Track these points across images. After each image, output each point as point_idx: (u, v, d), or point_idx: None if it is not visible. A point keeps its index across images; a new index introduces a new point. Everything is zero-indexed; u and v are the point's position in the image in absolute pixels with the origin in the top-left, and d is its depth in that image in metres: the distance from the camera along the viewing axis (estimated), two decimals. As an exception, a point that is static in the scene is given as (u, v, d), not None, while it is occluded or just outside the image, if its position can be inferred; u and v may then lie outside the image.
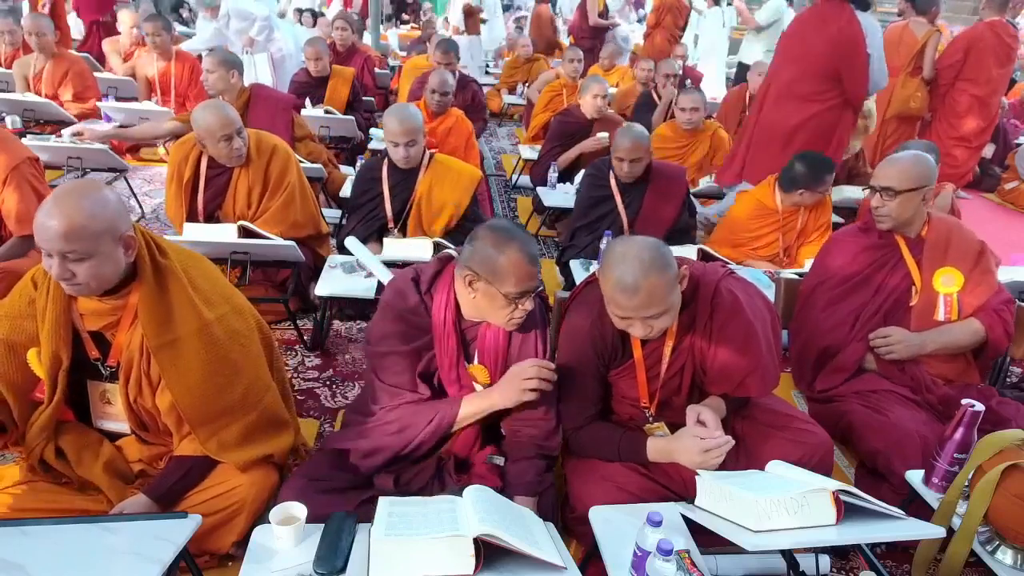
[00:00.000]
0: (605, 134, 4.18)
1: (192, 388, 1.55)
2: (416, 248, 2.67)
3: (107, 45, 5.80)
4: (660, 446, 1.72)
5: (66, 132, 3.59)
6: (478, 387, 1.73)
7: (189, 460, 1.62)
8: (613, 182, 3.19)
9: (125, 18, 5.64)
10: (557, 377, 1.69)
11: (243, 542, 1.68)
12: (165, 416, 1.61)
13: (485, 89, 8.32)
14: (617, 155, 3.06)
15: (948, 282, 2.18)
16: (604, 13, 8.38)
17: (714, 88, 7.99)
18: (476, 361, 1.73)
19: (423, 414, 1.65)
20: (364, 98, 5.58)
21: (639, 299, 1.55)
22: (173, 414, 1.60)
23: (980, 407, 1.59)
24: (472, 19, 9.28)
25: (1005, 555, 1.49)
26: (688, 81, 6.63)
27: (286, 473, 1.82)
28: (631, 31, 9.06)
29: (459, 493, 1.44)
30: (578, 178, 4.09)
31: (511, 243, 1.58)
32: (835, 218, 3.80)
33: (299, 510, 1.40)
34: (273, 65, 5.48)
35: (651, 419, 1.83)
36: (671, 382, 1.80)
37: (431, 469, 1.69)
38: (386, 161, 2.94)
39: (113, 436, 1.72)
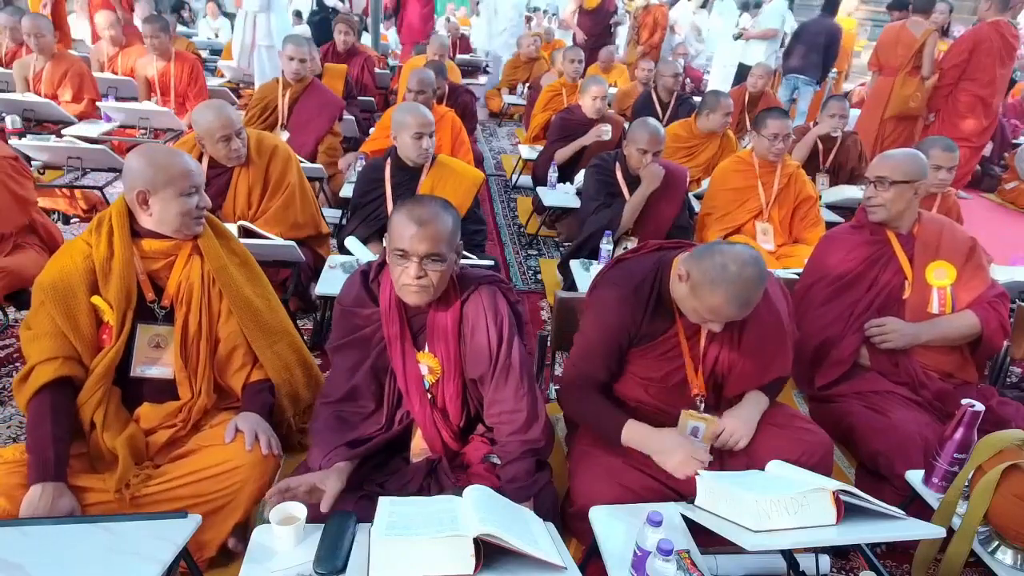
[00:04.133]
0: (607, 127, 4.17)
1: (247, 303, 1.84)
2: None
3: (91, 54, 5.64)
4: (640, 434, 1.75)
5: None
6: (426, 376, 1.72)
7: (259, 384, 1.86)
8: (620, 176, 3.19)
9: (101, 20, 5.39)
10: (528, 354, 1.73)
11: (243, 538, 1.69)
12: (224, 344, 1.82)
13: (485, 89, 8.36)
14: (639, 147, 3.06)
15: (940, 275, 2.21)
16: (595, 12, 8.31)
17: (720, 86, 7.99)
18: (427, 349, 1.72)
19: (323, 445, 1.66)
20: (363, 98, 5.60)
21: (743, 311, 1.63)
22: (230, 343, 1.82)
23: (980, 407, 1.59)
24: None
25: (1005, 555, 1.49)
26: (688, 80, 6.64)
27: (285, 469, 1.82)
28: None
29: (459, 493, 1.44)
30: (578, 178, 4.10)
31: (401, 205, 1.62)
32: (836, 217, 3.81)
33: (299, 510, 1.40)
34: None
35: (700, 403, 1.85)
36: (703, 366, 1.84)
37: (421, 473, 1.69)
38: (389, 161, 2.94)
39: (145, 389, 1.78)
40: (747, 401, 1.85)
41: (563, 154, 4.26)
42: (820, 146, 4.30)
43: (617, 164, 3.21)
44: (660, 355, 1.83)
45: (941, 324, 2.20)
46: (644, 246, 1.94)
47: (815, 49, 6.97)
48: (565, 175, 4.23)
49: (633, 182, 3.17)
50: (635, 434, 1.75)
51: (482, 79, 8.40)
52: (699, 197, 4.14)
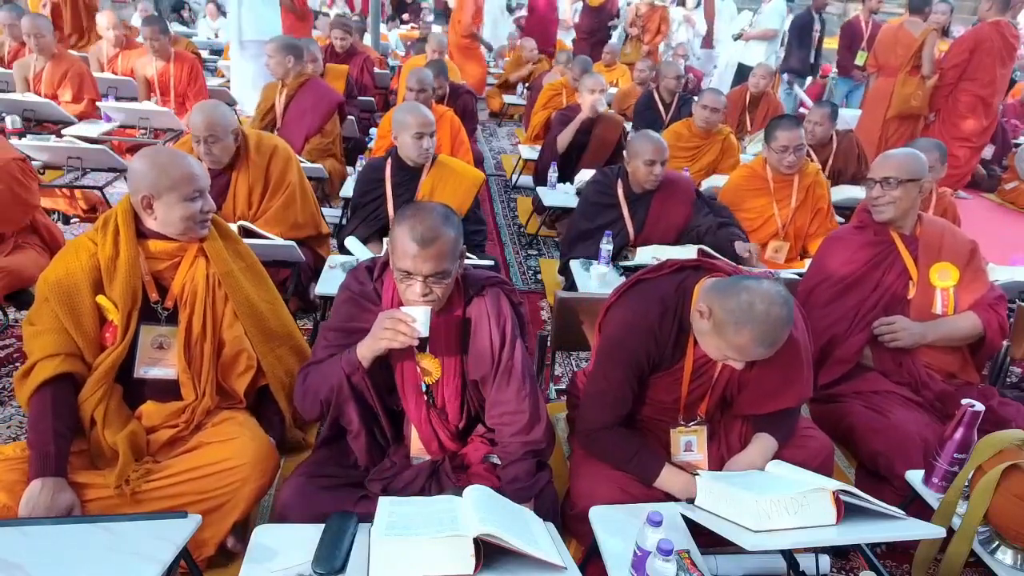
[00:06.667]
0: (602, 99, 4.17)
1: (252, 309, 1.85)
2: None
3: (91, 54, 5.61)
4: (679, 483, 1.68)
5: None
6: (424, 378, 1.72)
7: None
8: (620, 192, 3.09)
9: (103, 21, 5.35)
10: (529, 354, 1.70)
11: (242, 538, 1.69)
12: (229, 347, 1.82)
13: (486, 89, 8.35)
14: (646, 159, 2.94)
15: (944, 276, 2.22)
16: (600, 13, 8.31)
17: (724, 86, 7.97)
18: (427, 350, 1.72)
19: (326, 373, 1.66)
20: (363, 98, 5.60)
21: (771, 351, 1.56)
22: (235, 346, 1.82)
23: (980, 407, 1.59)
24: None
25: (1005, 555, 1.49)
26: (691, 76, 6.63)
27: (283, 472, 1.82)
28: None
29: (459, 493, 1.44)
30: (578, 177, 4.09)
31: (402, 218, 1.57)
32: (837, 217, 3.80)
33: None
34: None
35: (684, 423, 1.81)
36: (713, 390, 1.78)
37: (424, 475, 1.69)
38: (389, 161, 2.94)
39: (148, 388, 1.78)
40: (754, 446, 1.77)
41: (564, 138, 4.24)
42: (815, 156, 4.25)
43: (619, 180, 3.11)
44: (674, 380, 1.77)
45: (946, 324, 2.20)
46: (665, 264, 1.82)
47: (791, 44, 7.23)
48: (565, 175, 4.23)
49: (635, 199, 3.08)
50: (671, 482, 1.69)
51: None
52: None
